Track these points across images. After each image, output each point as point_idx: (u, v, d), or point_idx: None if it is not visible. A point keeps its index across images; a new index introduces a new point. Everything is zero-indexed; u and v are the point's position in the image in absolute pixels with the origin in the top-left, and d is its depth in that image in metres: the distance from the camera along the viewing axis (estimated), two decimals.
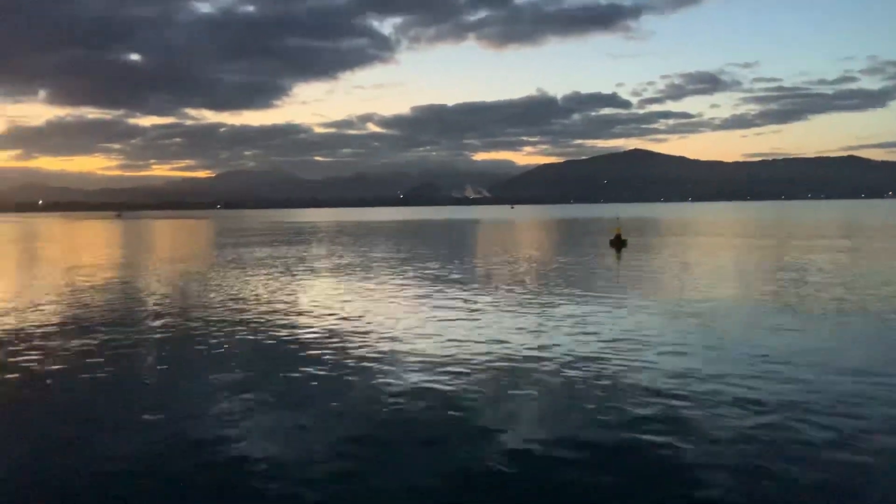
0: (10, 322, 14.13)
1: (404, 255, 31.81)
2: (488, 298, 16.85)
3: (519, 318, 13.99)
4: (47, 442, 7.19)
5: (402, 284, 20.09)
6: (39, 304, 16.62)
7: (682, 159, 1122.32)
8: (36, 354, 11.06)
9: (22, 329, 13.29)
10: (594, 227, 62.54)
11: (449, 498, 5.92)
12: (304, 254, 33.17)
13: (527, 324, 13.42)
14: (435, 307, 15.62)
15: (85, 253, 37.20)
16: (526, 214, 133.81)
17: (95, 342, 12.03)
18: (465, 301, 16.37)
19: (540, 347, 11.23)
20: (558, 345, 11.40)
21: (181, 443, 7.17)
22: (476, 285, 19.54)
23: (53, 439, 7.27)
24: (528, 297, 17.10)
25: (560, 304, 15.66)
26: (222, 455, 6.83)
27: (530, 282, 20.36)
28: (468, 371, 9.85)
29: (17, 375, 9.80)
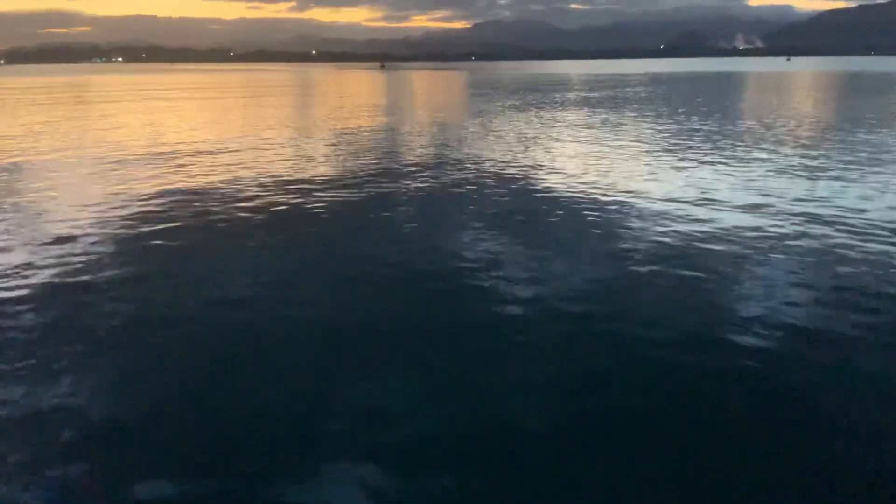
0: (291, 159, 15.45)
1: (656, 108, 29.72)
2: (748, 158, 15.06)
3: (782, 181, 12.42)
4: (322, 252, 8.10)
5: (653, 138, 18.68)
6: (313, 148, 17.96)
7: None
8: (311, 189, 11.93)
9: (299, 166, 14.47)
10: (890, 84, 53.67)
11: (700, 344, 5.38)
12: (554, 107, 32.37)
13: (790, 185, 11.98)
14: (687, 162, 14.35)
15: (355, 100, 39.65)
16: (805, 67, 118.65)
17: (357, 182, 12.84)
18: (722, 159, 14.76)
19: (802, 212, 10.02)
20: (820, 210, 10.09)
21: (425, 270, 7.55)
22: (735, 144, 17.55)
23: (329, 250, 8.18)
24: (793, 157, 15.06)
25: (828, 168, 13.64)
26: (465, 282, 7.13)
27: (797, 141, 17.84)
28: (721, 229, 9.15)
29: (299, 202, 10.66)
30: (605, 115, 26.65)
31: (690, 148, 16.92)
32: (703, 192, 11.57)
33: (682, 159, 15.13)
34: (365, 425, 4.47)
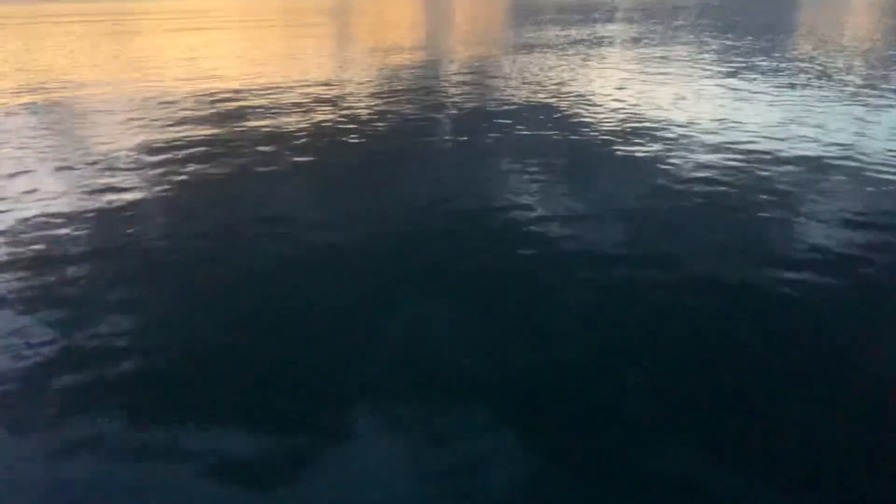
0: (333, 91, 15.33)
1: (710, 33, 28.49)
2: (803, 87, 14.41)
3: (836, 113, 11.79)
4: (363, 191, 7.91)
5: (703, 68, 17.94)
6: (352, 77, 17.80)
7: None
8: (352, 123, 11.86)
9: (338, 98, 14.34)
10: None
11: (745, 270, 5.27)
12: (598, 34, 31.36)
13: (846, 116, 11.41)
14: (738, 92, 13.78)
15: (390, 29, 38.97)
16: None
17: (394, 112, 12.71)
18: (775, 90, 14.17)
19: (854, 145, 9.59)
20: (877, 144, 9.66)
21: (463, 205, 7.40)
22: (792, 72, 16.81)
23: (365, 188, 8.01)
24: (847, 89, 14.27)
25: (886, 101, 12.88)
26: (505, 217, 6.95)
27: (853, 72, 16.95)
28: (769, 162, 8.82)
29: (337, 136, 10.62)
30: (656, 44, 25.77)
31: (748, 77, 16.28)
32: (759, 123, 11.18)
33: (738, 89, 14.56)
34: (405, 355, 4.50)
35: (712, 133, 10.68)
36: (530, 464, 3.49)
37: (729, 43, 25.56)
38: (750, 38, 27.72)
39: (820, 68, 17.67)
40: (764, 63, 19.01)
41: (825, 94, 13.87)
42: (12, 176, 8.79)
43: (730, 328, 4.77)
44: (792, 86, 14.88)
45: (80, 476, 3.44)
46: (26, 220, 7.14)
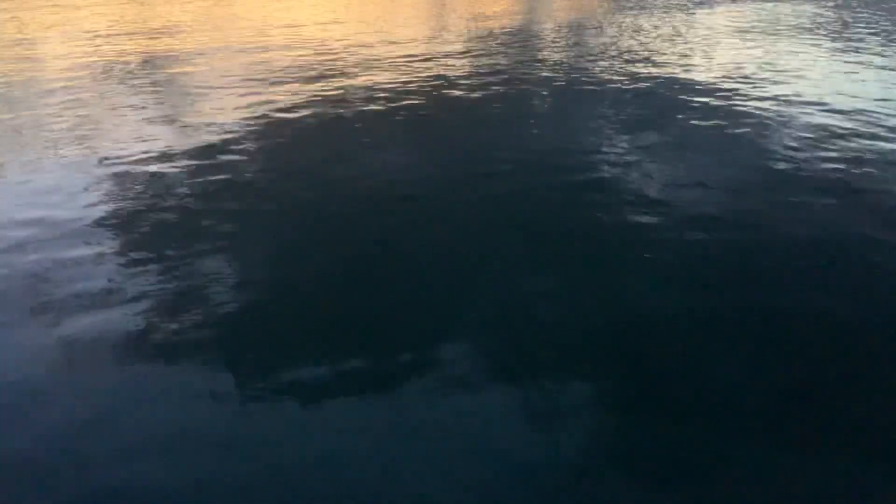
0: (423, 54, 15.19)
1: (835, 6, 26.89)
2: None
3: None
4: (463, 147, 7.83)
5: (813, 36, 16.88)
6: (446, 44, 17.57)
7: None
8: (441, 85, 11.69)
9: (431, 58, 14.24)
10: None
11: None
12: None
13: None
14: (857, 62, 12.88)
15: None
16: None
17: (493, 75, 12.53)
18: None
19: None
20: None
21: (560, 168, 7.20)
22: None
23: (466, 146, 7.92)
24: None
25: None
26: (603, 177, 6.74)
27: None
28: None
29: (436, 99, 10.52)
30: (760, 9, 24.49)
31: (866, 45, 15.25)
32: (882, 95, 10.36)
33: (860, 60, 13.64)
34: (497, 309, 4.47)
35: (830, 103, 9.93)
36: (605, 441, 3.34)
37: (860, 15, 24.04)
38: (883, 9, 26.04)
39: None
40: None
41: None
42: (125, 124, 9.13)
43: (850, 312, 4.32)
44: None
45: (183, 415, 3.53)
46: (135, 166, 7.39)
